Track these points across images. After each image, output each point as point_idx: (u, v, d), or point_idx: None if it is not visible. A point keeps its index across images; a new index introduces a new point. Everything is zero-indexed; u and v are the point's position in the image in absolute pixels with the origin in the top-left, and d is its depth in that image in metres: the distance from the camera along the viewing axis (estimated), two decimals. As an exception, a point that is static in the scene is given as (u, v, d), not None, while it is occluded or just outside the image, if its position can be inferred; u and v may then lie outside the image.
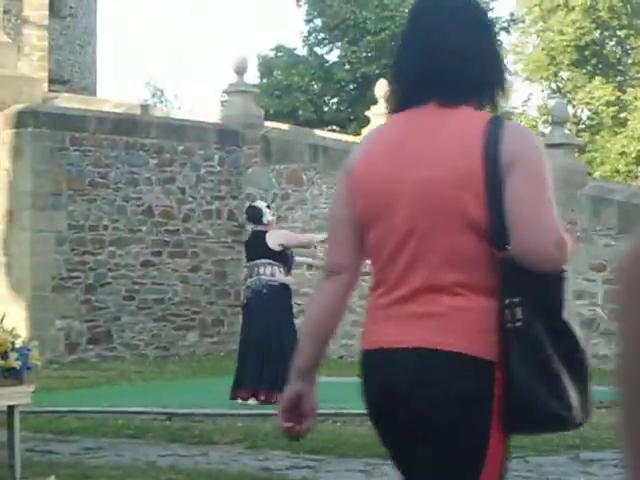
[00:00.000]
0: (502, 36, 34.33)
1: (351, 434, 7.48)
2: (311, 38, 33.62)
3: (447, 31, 2.50)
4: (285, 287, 9.82)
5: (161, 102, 42.27)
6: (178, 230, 15.04)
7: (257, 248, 9.86)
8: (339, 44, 32.39)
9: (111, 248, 14.37)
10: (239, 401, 9.51)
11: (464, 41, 2.49)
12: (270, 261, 9.73)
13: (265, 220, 9.92)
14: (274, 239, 9.81)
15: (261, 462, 6.71)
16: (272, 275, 9.71)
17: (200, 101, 62.64)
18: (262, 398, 9.42)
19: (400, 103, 2.54)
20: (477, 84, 2.50)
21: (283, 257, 9.82)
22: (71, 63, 23.51)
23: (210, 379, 12.05)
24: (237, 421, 8.32)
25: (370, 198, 2.50)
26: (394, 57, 2.64)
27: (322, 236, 11.06)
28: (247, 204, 10.87)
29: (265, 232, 9.87)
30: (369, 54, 31.09)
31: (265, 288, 9.67)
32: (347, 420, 8.27)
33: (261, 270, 9.73)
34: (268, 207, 10.22)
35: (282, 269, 9.81)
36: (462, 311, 2.38)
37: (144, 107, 18.84)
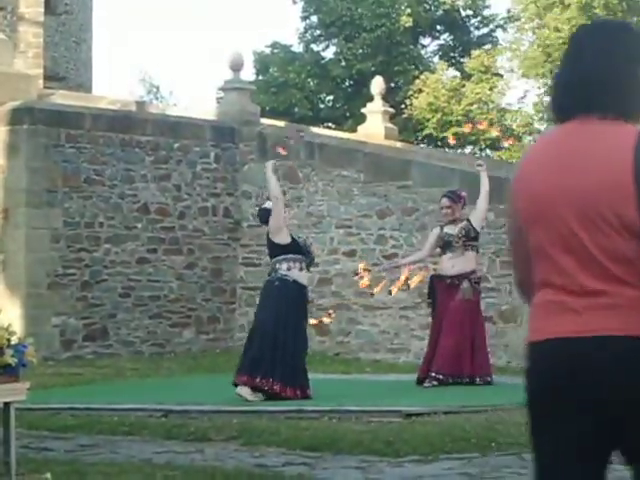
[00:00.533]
0: (498, 33, 34.41)
1: (347, 431, 7.48)
2: (307, 35, 33.60)
3: (607, 52, 2.85)
4: (298, 285, 9.73)
5: (156, 99, 42.25)
6: (174, 227, 15.03)
7: (270, 248, 9.91)
8: (335, 41, 32.36)
9: (107, 245, 14.36)
10: (237, 390, 9.49)
11: (623, 63, 2.84)
12: (284, 256, 9.71)
13: None
14: (273, 231, 9.77)
15: (257, 459, 6.71)
16: (288, 270, 9.72)
17: (196, 98, 62.65)
18: (256, 383, 9.40)
19: (562, 114, 2.88)
20: (630, 103, 2.84)
21: (295, 249, 9.76)
22: (66, 60, 23.45)
23: (206, 376, 12.05)
24: (233, 418, 8.32)
25: (531, 200, 2.82)
26: (557, 71, 2.99)
27: (270, 163, 10.51)
28: (257, 208, 10.79)
29: None
30: (365, 51, 31.08)
31: (278, 281, 9.68)
32: (343, 417, 8.28)
33: (277, 266, 9.77)
34: None
35: (298, 264, 9.74)
36: (637, 300, 2.68)
37: (140, 104, 18.82)
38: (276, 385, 9.39)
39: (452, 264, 10.78)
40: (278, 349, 9.51)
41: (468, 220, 10.92)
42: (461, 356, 10.63)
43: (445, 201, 11.06)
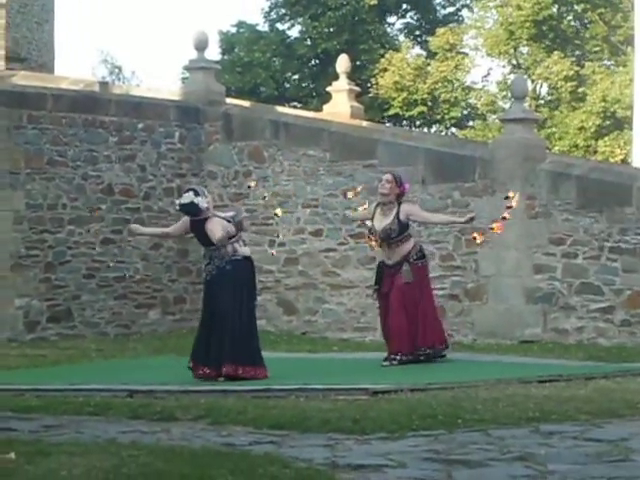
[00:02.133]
0: (464, 12, 34.40)
1: (314, 409, 7.48)
2: (272, 14, 33.47)
3: None
4: (248, 260, 9.70)
5: (119, 80, 41.94)
6: (139, 208, 14.95)
7: (206, 237, 9.59)
8: (300, 20, 32.26)
9: (70, 226, 14.26)
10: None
11: None
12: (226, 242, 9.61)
13: (202, 208, 9.58)
14: (214, 234, 9.46)
15: (224, 438, 6.68)
16: (234, 251, 9.63)
17: (159, 79, 62.23)
18: (226, 373, 9.41)
19: None
20: None
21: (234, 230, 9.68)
22: (28, 41, 23.24)
23: (172, 357, 12.00)
24: (199, 397, 8.30)
25: None
26: None
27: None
28: (177, 202, 10.01)
29: (204, 221, 9.53)
30: (330, 29, 31.00)
31: (229, 264, 9.58)
32: (310, 395, 8.28)
33: (222, 250, 9.60)
34: (196, 194, 9.63)
35: (240, 241, 9.69)
36: None
37: (103, 84, 18.67)
38: (231, 368, 9.41)
39: (388, 256, 10.71)
40: (232, 332, 9.47)
41: (397, 216, 10.64)
42: (411, 333, 10.62)
43: (388, 176, 10.88)
